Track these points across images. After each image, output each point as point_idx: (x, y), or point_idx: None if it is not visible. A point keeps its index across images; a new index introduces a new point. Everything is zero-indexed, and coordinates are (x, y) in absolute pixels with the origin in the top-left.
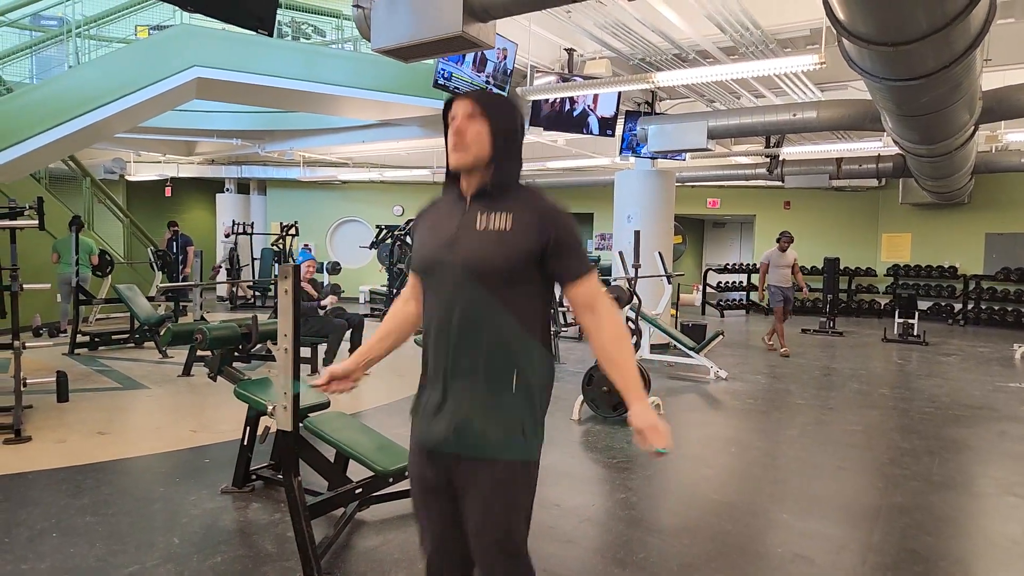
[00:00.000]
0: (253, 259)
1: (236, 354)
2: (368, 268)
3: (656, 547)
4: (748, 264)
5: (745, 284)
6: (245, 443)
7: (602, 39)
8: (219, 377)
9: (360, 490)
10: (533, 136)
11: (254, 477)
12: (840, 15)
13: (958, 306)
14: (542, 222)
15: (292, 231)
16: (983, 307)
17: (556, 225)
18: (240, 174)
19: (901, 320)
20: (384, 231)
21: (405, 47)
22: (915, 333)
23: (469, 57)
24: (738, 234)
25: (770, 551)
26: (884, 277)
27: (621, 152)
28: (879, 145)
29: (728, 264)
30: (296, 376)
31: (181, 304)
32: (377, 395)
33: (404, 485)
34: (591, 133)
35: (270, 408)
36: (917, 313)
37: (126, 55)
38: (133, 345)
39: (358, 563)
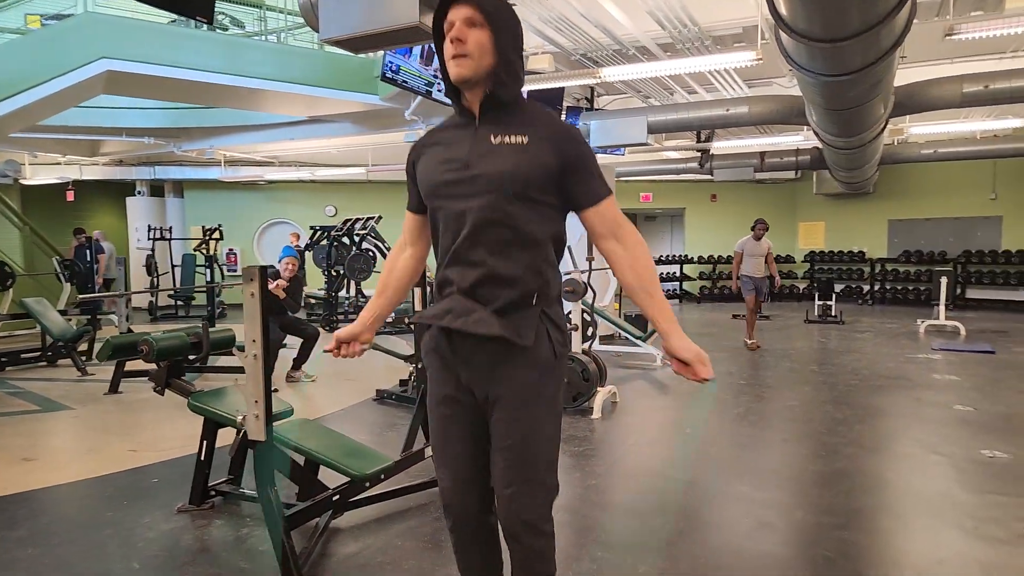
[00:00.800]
0: (173, 266)
1: (187, 365)
2: (307, 271)
3: (633, 528)
4: (680, 256)
5: (678, 275)
6: (203, 458)
7: (546, 34)
8: (164, 392)
9: (337, 497)
10: None
11: (213, 493)
12: (783, 11)
13: (867, 287)
14: (559, 139)
15: (216, 235)
16: (888, 287)
17: (574, 143)
18: (153, 175)
19: (820, 302)
20: (319, 232)
21: (357, 37)
22: (833, 314)
23: (416, 50)
24: (669, 227)
25: (737, 522)
26: (802, 263)
27: None
28: (798, 139)
29: (661, 256)
30: (268, 384)
31: (96, 316)
32: (330, 402)
33: (379, 489)
34: None
35: (240, 418)
36: (834, 295)
37: (22, 47)
38: (45, 364)
39: (340, 570)
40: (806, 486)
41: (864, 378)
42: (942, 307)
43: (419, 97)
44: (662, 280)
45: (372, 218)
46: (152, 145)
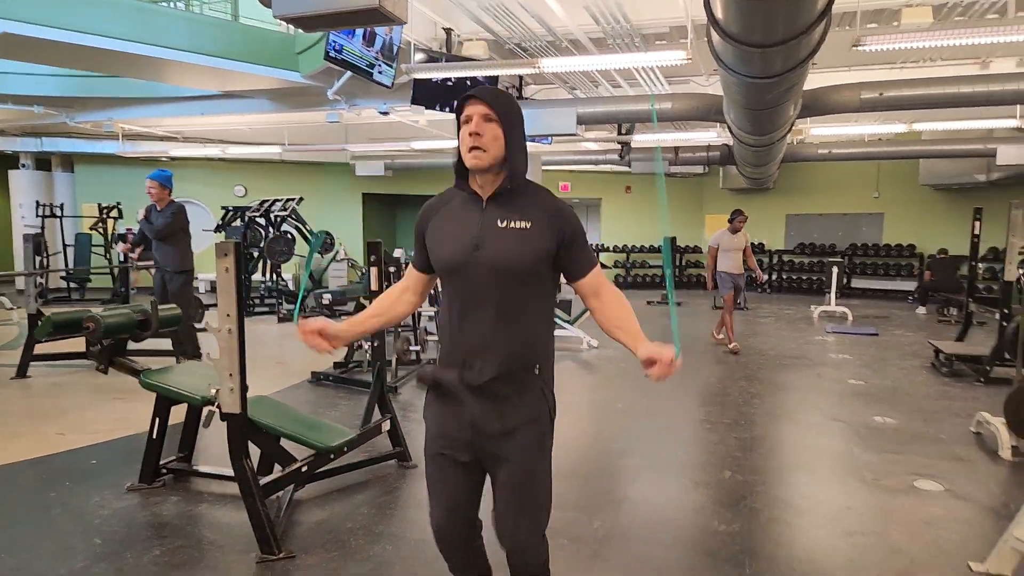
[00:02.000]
0: (65, 246)
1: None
2: (210, 253)
3: (582, 491)
4: (595, 244)
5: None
6: (155, 436)
7: (483, 20)
8: (108, 371)
9: (305, 469)
10: (395, 116)
11: (164, 471)
12: (719, 15)
13: (766, 276)
14: (556, 221)
15: (114, 214)
16: (784, 276)
17: (569, 223)
18: (40, 147)
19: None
20: (232, 213)
21: (312, 16)
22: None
23: (359, 31)
24: (584, 216)
25: (674, 482)
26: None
27: None
28: (711, 136)
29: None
30: (243, 358)
31: None
32: (264, 384)
33: (341, 461)
34: None
35: (213, 391)
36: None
37: None
38: None
39: (311, 536)
40: (731, 450)
41: (771, 358)
42: (833, 295)
43: (345, 76)
44: None
45: (293, 199)
46: (41, 115)
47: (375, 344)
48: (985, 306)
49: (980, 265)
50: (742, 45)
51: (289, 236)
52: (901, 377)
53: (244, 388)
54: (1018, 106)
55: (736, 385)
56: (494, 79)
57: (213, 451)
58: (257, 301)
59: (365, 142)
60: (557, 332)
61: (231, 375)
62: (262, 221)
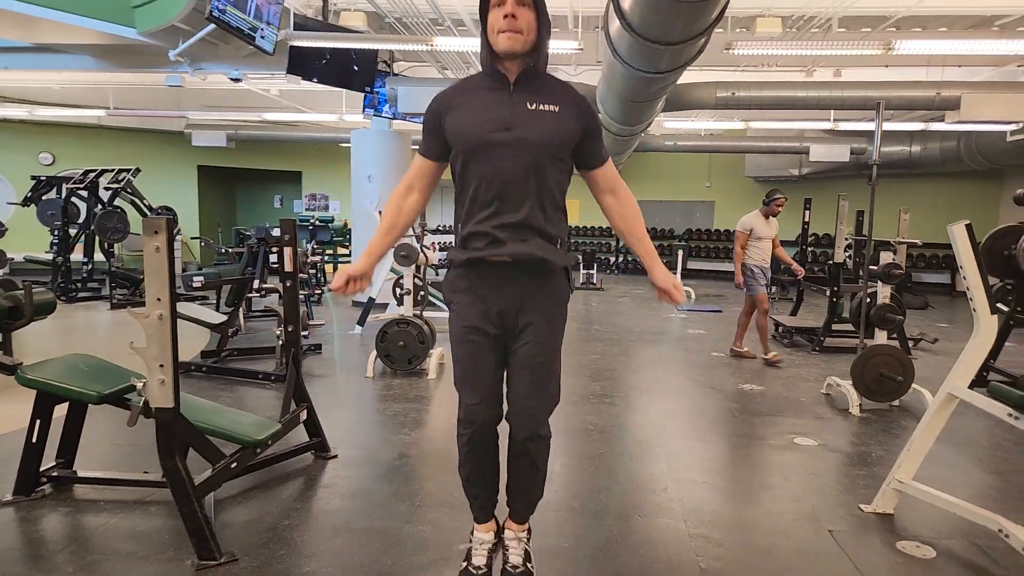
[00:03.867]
0: None
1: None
2: (18, 230)
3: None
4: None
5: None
6: (35, 440)
7: None
8: None
9: (235, 465)
10: (244, 84)
11: (43, 480)
12: (625, 6)
13: (613, 259)
14: (581, 109)
15: None
16: (631, 259)
17: (591, 114)
18: None
19: (584, 271)
20: (45, 184)
21: None
22: (594, 281)
23: None
24: (440, 198)
25: (585, 439)
26: None
27: (364, 110)
28: None
29: (440, 226)
30: (175, 346)
31: None
32: None
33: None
34: (349, 87)
35: (140, 384)
36: (595, 265)
37: None
38: None
39: (247, 537)
40: (621, 404)
41: (639, 334)
42: (679, 275)
43: (193, 37)
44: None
45: (128, 171)
46: None
47: (290, 329)
48: (817, 285)
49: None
50: (642, 39)
51: (121, 211)
52: (753, 347)
53: (177, 380)
54: (832, 111)
55: (616, 360)
56: (371, 53)
57: (93, 453)
58: (79, 285)
59: (200, 109)
60: (437, 314)
61: (162, 366)
62: (85, 194)
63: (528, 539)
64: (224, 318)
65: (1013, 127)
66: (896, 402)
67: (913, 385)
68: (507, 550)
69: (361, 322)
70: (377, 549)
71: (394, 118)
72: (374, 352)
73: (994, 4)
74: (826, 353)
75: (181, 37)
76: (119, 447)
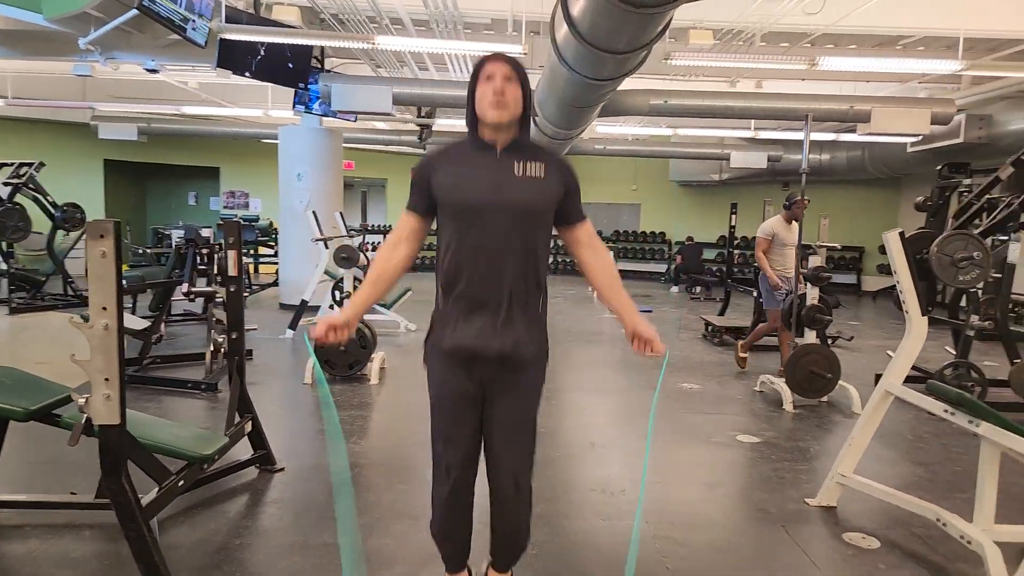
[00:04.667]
0: None
1: None
2: None
3: None
4: (383, 225)
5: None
6: None
7: None
8: None
9: (182, 483)
10: (160, 76)
11: None
12: (574, 13)
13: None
14: (563, 172)
15: None
16: (561, 260)
17: (572, 176)
18: None
19: None
20: None
21: None
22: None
23: None
24: (369, 196)
25: (557, 452)
26: None
27: (294, 106)
28: None
29: (372, 225)
30: (122, 359)
31: None
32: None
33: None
34: (284, 84)
35: (81, 400)
36: None
37: None
38: None
39: (195, 559)
40: (583, 421)
41: (577, 335)
42: None
43: (107, 26)
44: (374, 249)
45: (30, 165)
46: None
47: (234, 336)
48: (744, 286)
49: (725, 251)
50: (590, 46)
51: (19, 208)
52: (685, 347)
53: (123, 395)
54: (752, 120)
55: (559, 362)
56: (307, 49)
57: (9, 475)
58: None
59: (109, 100)
60: (373, 316)
61: (107, 379)
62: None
63: None
64: (147, 324)
65: (914, 139)
66: (825, 398)
67: (839, 381)
68: None
69: (293, 326)
70: (338, 566)
71: (325, 115)
72: (312, 357)
73: (899, 25)
74: (754, 351)
75: (93, 24)
76: (38, 466)
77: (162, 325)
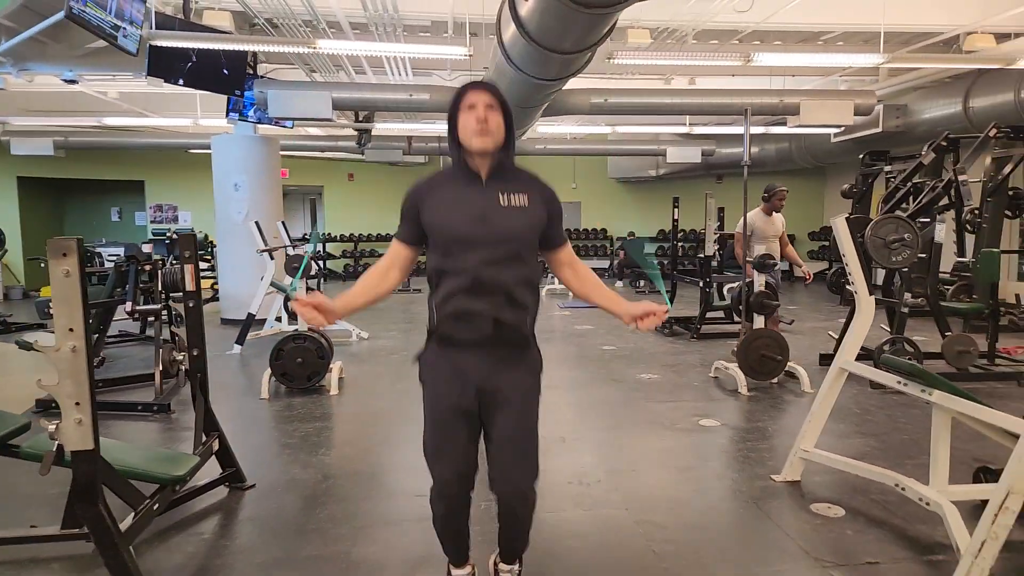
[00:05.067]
0: None
1: None
2: None
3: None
4: (321, 234)
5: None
6: None
7: None
8: None
9: (156, 506)
10: (80, 86)
11: None
12: (522, 14)
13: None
14: (545, 199)
15: None
16: None
17: (554, 201)
18: None
19: None
20: None
21: None
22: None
23: None
24: (303, 205)
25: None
26: None
27: (228, 114)
28: (442, 128)
29: (305, 234)
30: (92, 382)
31: None
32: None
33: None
34: (219, 91)
35: (51, 427)
36: None
37: None
38: None
39: None
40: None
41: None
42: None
43: (20, 36)
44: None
45: None
46: None
47: (195, 353)
48: (689, 277)
49: (669, 244)
50: (537, 46)
51: None
52: (638, 340)
53: (95, 419)
54: (688, 116)
55: None
56: (242, 55)
57: None
58: None
59: (20, 114)
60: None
61: (78, 404)
62: None
63: (520, 571)
64: None
65: (837, 130)
66: (775, 379)
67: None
68: None
69: (240, 341)
70: (337, 573)
71: (260, 123)
72: (268, 371)
73: (821, 21)
74: (703, 340)
75: (4, 35)
76: None
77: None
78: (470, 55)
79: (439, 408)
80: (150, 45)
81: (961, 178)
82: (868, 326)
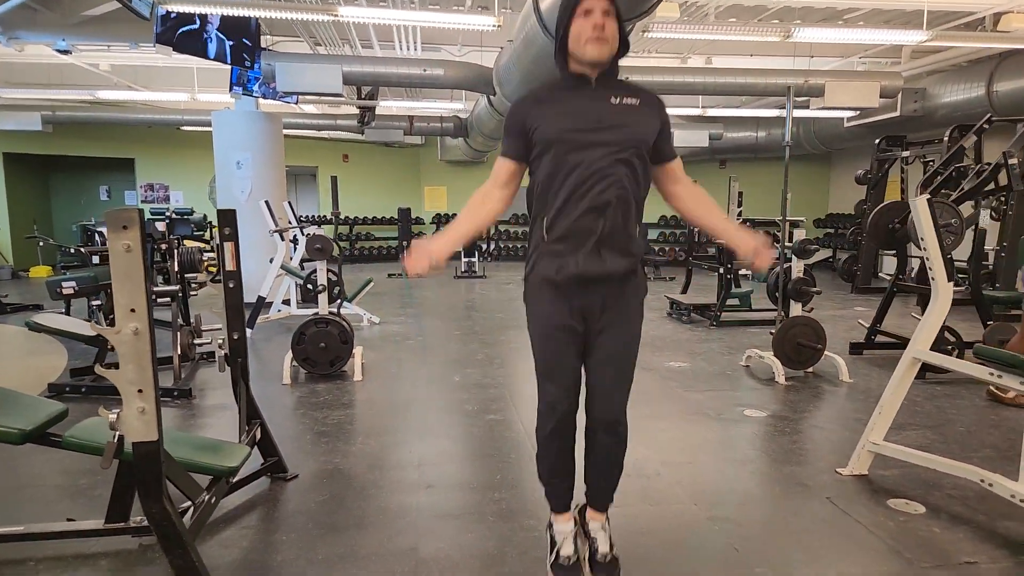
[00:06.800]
0: None
1: None
2: None
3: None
4: (314, 216)
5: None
6: None
7: None
8: None
9: (214, 498)
10: (71, 58)
11: None
12: None
13: (485, 246)
14: (656, 106)
15: None
16: (503, 245)
17: (664, 111)
18: None
19: (465, 259)
20: None
21: None
22: (475, 269)
23: None
24: (294, 186)
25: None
26: (430, 224)
27: (231, 88)
28: (457, 106)
29: (311, 215)
30: (155, 368)
31: None
32: None
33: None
34: (234, 64)
35: (112, 416)
36: (476, 253)
37: None
38: None
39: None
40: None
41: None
42: None
43: (11, 3)
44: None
45: None
46: None
47: (235, 337)
48: (709, 263)
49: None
50: None
51: None
52: (657, 326)
53: (159, 408)
54: (700, 97)
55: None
56: (245, 20)
57: None
58: None
59: (5, 87)
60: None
61: (141, 391)
62: None
63: (609, 526)
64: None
65: (852, 113)
66: (811, 368)
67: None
68: (595, 540)
69: (250, 324)
70: (407, 571)
71: (265, 97)
72: (289, 356)
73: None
74: (723, 327)
75: None
76: (13, 493)
77: None
78: (499, 25)
79: (547, 328)
80: (164, 10)
81: (1011, 162)
82: (945, 313)
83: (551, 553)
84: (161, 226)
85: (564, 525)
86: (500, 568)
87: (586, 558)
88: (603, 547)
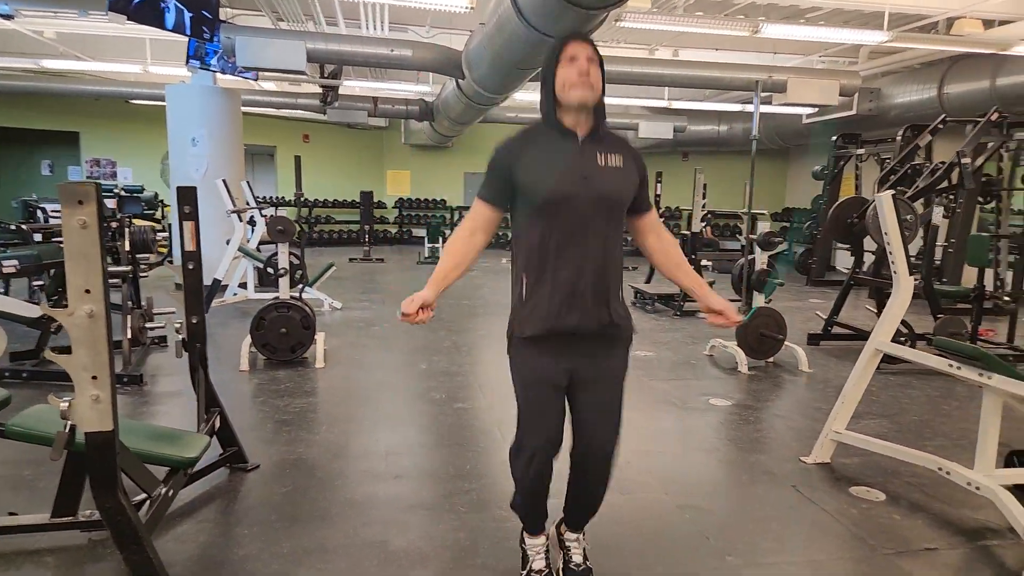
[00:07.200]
0: None
1: None
2: None
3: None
4: (272, 198)
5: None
6: None
7: None
8: None
9: (171, 491)
10: (14, 24)
11: None
12: None
13: (449, 231)
14: (637, 161)
15: None
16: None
17: (642, 165)
18: None
19: (429, 245)
20: None
21: None
22: (439, 255)
23: None
24: (251, 165)
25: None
26: (392, 209)
27: (188, 61)
28: (422, 88)
29: (267, 196)
30: (111, 353)
31: None
32: None
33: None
34: (193, 35)
35: (63, 404)
36: (441, 239)
37: None
38: None
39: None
40: (457, 363)
41: (485, 305)
42: None
43: None
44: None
45: None
46: None
47: (194, 320)
48: None
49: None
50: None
51: None
52: None
53: (115, 396)
54: (666, 88)
55: (464, 329)
56: None
57: None
58: None
59: None
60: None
61: (96, 378)
62: None
63: (585, 543)
64: (41, 311)
65: (810, 110)
66: (771, 358)
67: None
68: (569, 550)
69: (205, 308)
70: (362, 566)
71: (223, 72)
72: (247, 341)
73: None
74: (686, 317)
75: None
76: None
77: None
78: (472, 7)
79: (531, 380)
80: None
81: (964, 161)
82: (906, 306)
83: (523, 568)
84: (111, 203)
85: (536, 539)
86: (472, 560)
87: (559, 569)
88: (576, 557)
